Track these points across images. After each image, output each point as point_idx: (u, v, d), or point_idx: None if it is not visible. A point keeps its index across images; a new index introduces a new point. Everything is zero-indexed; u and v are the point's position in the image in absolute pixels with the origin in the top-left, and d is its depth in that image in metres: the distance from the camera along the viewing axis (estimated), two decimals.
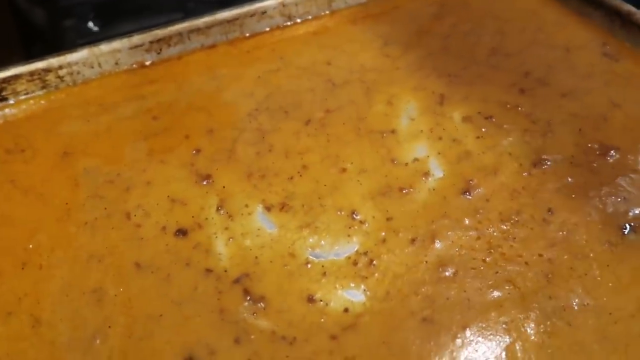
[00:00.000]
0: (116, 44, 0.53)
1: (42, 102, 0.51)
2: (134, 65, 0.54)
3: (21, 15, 0.76)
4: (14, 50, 0.79)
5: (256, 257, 0.39)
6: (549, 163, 0.44)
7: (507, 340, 0.34)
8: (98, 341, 0.34)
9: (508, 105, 0.50)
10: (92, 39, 0.65)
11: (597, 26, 0.57)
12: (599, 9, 0.57)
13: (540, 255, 0.38)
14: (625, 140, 0.46)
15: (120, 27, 0.71)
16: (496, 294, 0.36)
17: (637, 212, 0.41)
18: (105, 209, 0.42)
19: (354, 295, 0.37)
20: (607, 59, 0.54)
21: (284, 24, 0.59)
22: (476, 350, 0.34)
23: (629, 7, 0.55)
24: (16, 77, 0.50)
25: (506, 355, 0.34)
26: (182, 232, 0.40)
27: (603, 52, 0.55)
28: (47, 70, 0.51)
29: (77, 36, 0.66)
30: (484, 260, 0.38)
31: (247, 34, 0.58)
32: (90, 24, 0.70)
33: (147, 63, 0.55)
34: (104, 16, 0.70)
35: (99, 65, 0.53)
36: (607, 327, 0.34)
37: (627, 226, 0.40)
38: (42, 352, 0.34)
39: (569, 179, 0.43)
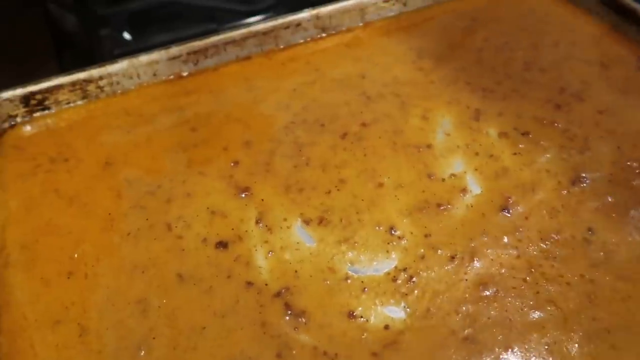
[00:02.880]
0: (154, 56, 0.54)
1: (83, 111, 0.52)
2: (172, 76, 0.55)
3: (55, 24, 0.78)
4: (47, 58, 0.81)
5: (296, 271, 0.39)
6: (587, 181, 0.44)
7: None
8: (143, 352, 0.35)
9: (544, 121, 0.49)
10: (126, 49, 0.67)
11: (633, 41, 0.57)
12: (635, 24, 0.57)
13: (582, 275, 0.38)
14: None
15: (153, 37, 0.72)
16: (538, 314, 0.36)
17: None
18: (147, 219, 0.43)
19: (394, 312, 0.37)
20: None
21: (318, 36, 0.60)
22: None
23: None
24: (58, 87, 0.51)
25: None
26: (222, 245, 0.41)
27: (639, 66, 0.54)
28: (88, 81, 0.52)
29: (112, 45, 0.67)
30: (524, 280, 0.38)
31: (282, 46, 0.58)
32: (126, 34, 0.71)
33: (184, 74, 0.55)
34: (137, 26, 0.71)
35: (138, 76, 0.54)
36: None
37: None
38: None
39: (609, 198, 0.43)
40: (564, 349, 0.35)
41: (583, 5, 0.62)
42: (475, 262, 0.39)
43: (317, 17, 0.59)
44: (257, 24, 0.57)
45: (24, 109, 0.51)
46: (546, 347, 0.35)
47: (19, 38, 0.83)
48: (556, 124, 0.49)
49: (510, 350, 0.35)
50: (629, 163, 0.46)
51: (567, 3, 0.63)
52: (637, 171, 0.45)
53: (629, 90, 0.52)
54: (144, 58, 0.54)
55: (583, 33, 0.59)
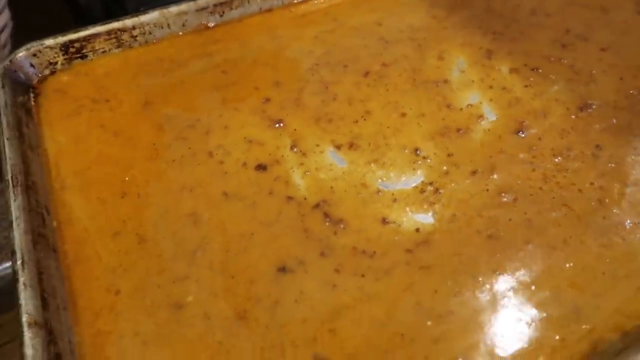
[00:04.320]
0: (184, 7, 0.57)
1: (118, 59, 0.55)
2: (199, 27, 0.58)
3: None
4: (65, 22, 0.84)
5: (331, 187, 0.43)
6: (594, 107, 0.48)
7: (568, 252, 0.38)
8: (199, 254, 0.38)
9: (552, 59, 0.53)
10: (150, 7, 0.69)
11: None
12: None
13: (592, 183, 0.42)
14: None
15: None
16: (554, 214, 0.40)
17: None
18: (190, 148, 0.46)
19: (424, 218, 0.41)
20: None
21: None
22: (539, 263, 0.38)
23: None
24: (95, 36, 0.54)
25: (568, 264, 0.37)
26: (261, 167, 0.44)
27: (637, 10, 0.58)
28: (122, 30, 0.55)
29: (138, 4, 0.70)
30: (540, 188, 0.42)
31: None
32: None
33: (211, 25, 0.59)
34: None
35: (168, 26, 0.57)
36: None
37: None
38: (151, 263, 0.38)
39: (614, 120, 0.47)
40: (580, 242, 0.38)
41: None
42: (495, 175, 0.43)
43: None
44: None
45: (63, 57, 0.54)
46: (563, 240, 0.39)
47: (38, 9, 0.86)
48: (563, 60, 0.53)
49: (531, 244, 0.38)
50: (631, 92, 0.49)
51: None
52: (638, 98, 0.49)
53: (628, 32, 0.56)
54: (174, 9, 0.56)
55: None
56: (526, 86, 0.50)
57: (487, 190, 0.42)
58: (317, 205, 0.42)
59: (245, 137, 0.47)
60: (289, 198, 0.42)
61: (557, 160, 0.44)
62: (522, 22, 0.58)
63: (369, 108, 0.49)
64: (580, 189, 0.42)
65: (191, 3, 0.57)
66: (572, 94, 0.49)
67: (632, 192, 0.41)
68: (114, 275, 0.37)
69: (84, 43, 0.54)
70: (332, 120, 0.48)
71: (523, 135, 0.46)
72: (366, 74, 0.52)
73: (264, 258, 0.38)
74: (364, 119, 0.48)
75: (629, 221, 0.39)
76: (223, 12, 0.59)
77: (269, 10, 0.61)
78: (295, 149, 0.46)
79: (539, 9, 0.59)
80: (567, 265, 0.37)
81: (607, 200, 0.41)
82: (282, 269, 0.37)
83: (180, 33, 0.57)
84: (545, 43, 0.55)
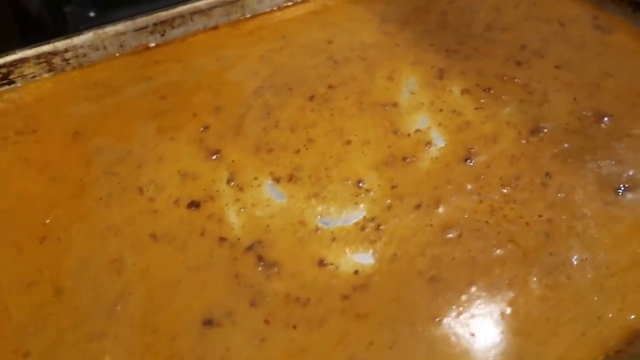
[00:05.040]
0: (120, 27, 0.54)
1: (50, 84, 0.52)
2: (139, 48, 0.55)
3: (18, 2, 0.76)
4: (11, 39, 0.80)
5: (267, 226, 0.40)
6: (545, 130, 0.46)
7: (511, 294, 0.36)
8: (119, 307, 0.36)
9: (505, 78, 0.51)
10: (92, 25, 0.66)
11: (588, 0, 0.59)
12: None
13: (540, 215, 0.40)
14: (617, 107, 0.48)
15: (120, 13, 0.72)
16: (499, 252, 0.38)
17: (630, 173, 0.42)
18: (119, 184, 0.43)
19: (363, 258, 0.38)
20: (598, 31, 0.55)
21: (285, 4, 0.60)
22: (482, 305, 0.36)
23: None
24: (23, 61, 0.51)
25: (511, 308, 0.35)
26: (194, 204, 0.42)
27: (595, 24, 0.56)
28: (53, 54, 0.52)
29: (77, 22, 0.67)
30: (486, 222, 0.40)
31: (249, 15, 0.59)
32: (90, 11, 0.70)
33: (152, 45, 0.56)
34: (103, 2, 0.70)
35: (104, 47, 0.53)
36: (605, 279, 0.36)
37: (622, 187, 0.41)
38: (66, 317, 0.35)
39: (565, 145, 0.45)
40: (524, 282, 0.36)
41: None
42: (440, 208, 0.41)
43: None
44: None
45: None
46: (507, 281, 0.37)
47: None
48: (516, 80, 0.51)
49: (474, 285, 0.36)
50: (584, 112, 0.48)
51: None
52: (591, 120, 0.47)
53: (585, 46, 0.54)
54: (109, 29, 0.53)
55: None
56: (477, 108, 0.48)
57: (431, 225, 0.40)
58: (250, 247, 0.39)
59: (179, 171, 0.44)
60: (222, 239, 0.40)
61: (505, 190, 0.42)
62: (476, 38, 0.56)
63: (312, 135, 0.47)
64: (527, 222, 0.40)
65: (129, 22, 0.54)
66: (524, 116, 0.47)
67: (580, 225, 0.39)
68: (24, 333, 0.34)
69: (10, 68, 0.50)
70: (273, 150, 0.45)
71: (471, 164, 0.44)
72: (311, 97, 0.50)
73: (189, 309, 0.36)
74: (306, 148, 0.46)
75: (576, 257, 0.37)
76: (164, 32, 0.56)
77: (215, 28, 0.58)
78: (231, 183, 0.43)
79: (495, 24, 0.57)
80: (511, 309, 0.35)
81: (554, 235, 0.39)
82: (209, 322, 0.35)
83: (118, 55, 0.54)
84: (500, 60, 0.53)
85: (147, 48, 0.55)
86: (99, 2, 0.70)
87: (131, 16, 0.55)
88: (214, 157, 0.45)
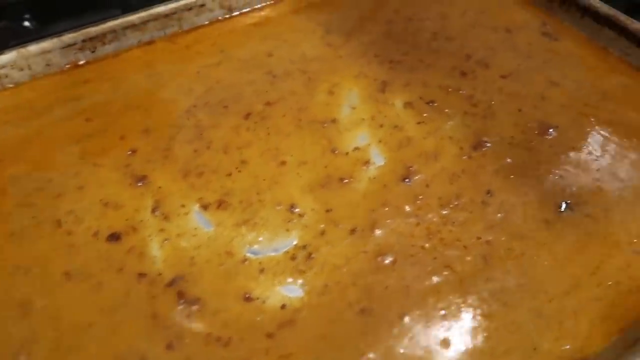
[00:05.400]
0: (46, 44, 0.51)
1: None
2: (67, 66, 0.52)
3: None
4: None
5: (192, 258, 0.38)
6: (488, 145, 0.44)
7: (445, 325, 0.34)
8: (23, 357, 0.33)
9: (449, 89, 0.49)
10: (27, 39, 0.63)
11: (537, 6, 0.57)
12: None
13: (479, 238, 0.38)
14: (562, 118, 0.46)
15: (59, 26, 0.68)
16: (435, 279, 0.36)
17: (574, 189, 0.41)
18: (34, 217, 0.40)
19: (292, 291, 0.36)
20: (546, 38, 0.54)
21: (225, 17, 0.58)
22: (413, 339, 0.34)
23: None
24: None
25: (444, 341, 0.33)
26: (115, 237, 0.39)
27: (543, 31, 0.55)
28: None
29: (11, 37, 0.63)
30: (422, 247, 0.38)
31: (186, 28, 0.56)
32: (27, 24, 0.67)
33: (81, 62, 0.53)
34: (41, 15, 0.67)
35: (29, 67, 0.50)
36: (542, 305, 0.34)
37: (564, 204, 0.40)
38: None
39: (508, 160, 0.43)
40: (459, 312, 0.35)
41: None
42: (375, 233, 0.39)
43: None
44: (157, 6, 0.54)
45: None
46: (442, 312, 0.34)
47: None
48: (461, 91, 0.49)
49: (406, 317, 0.34)
50: (529, 125, 0.46)
51: None
52: (535, 132, 0.45)
53: (532, 55, 0.53)
54: (33, 48, 0.50)
55: (490, 0, 0.59)
56: (419, 123, 0.46)
57: (366, 252, 0.38)
58: (172, 283, 0.36)
59: (101, 200, 0.41)
60: (141, 275, 0.37)
61: (444, 211, 0.40)
62: (422, 48, 0.54)
63: (246, 157, 0.44)
64: (465, 245, 0.38)
65: (55, 40, 0.51)
66: (467, 130, 0.46)
67: (519, 247, 0.37)
68: None
69: None
70: (203, 174, 0.43)
71: (410, 183, 0.42)
72: (247, 115, 0.47)
73: (98, 357, 0.33)
74: (239, 171, 0.43)
75: (513, 282, 0.36)
76: (95, 48, 0.53)
77: (150, 42, 0.55)
78: (156, 212, 0.41)
79: (441, 33, 0.55)
80: (444, 342, 0.33)
81: (492, 258, 0.37)
82: None
83: (44, 74, 0.51)
84: (445, 71, 0.51)
85: (77, 66, 0.52)
86: (36, 15, 0.66)
87: (64, 31, 0.52)
88: (140, 183, 0.42)
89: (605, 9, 0.52)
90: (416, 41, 0.54)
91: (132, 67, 0.52)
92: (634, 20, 0.51)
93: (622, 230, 0.38)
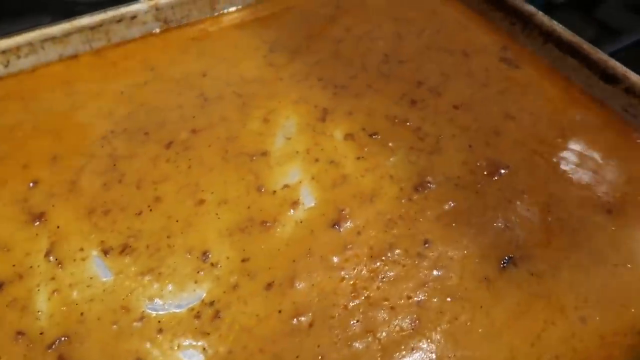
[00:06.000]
0: None
1: None
2: None
3: None
4: None
5: (82, 314, 0.33)
6: (432, 186, 0.40)
7: None
8: None
9: (396, 120, 0.45)
10: None
11: (499, 29, 0.53)
12: (500, 10, 0.53)
13: (409, 297, 0.34)
14: (515, 157, 0.42)
15: (2, 27, 0.63)
16: (354, 347, 0.32)
17: (520, 242, 0.37)
18: None
19: (191, 356, 0.32)
20: (505, 64, 0.50)
21: (159, 30, 0.53)
22: None
23: (530, 8, 0.51)
24: None
25: None
26: None
27: (502, 57, 0.51)
28: None
29: None
30: (345, 307, 0.33)
31: (115, 42, 0.51)
32: None
33: None
34: None
35: None
36: None
37: (507, 258, 0.36)
38: None
39: (452, 204, 0.39)
40: None
41: None
42: (294, 288, 0.34)
43: (157, 8, 0.52)
44: (81, 17, 0.49)
45: None
46: None
47: None
48: (408, 123, 0.45)
49: None
50: (478, 163, 0.42)
51: None
52: (484, 172, 0.41)
53: (489, 83, 0.48)
54: None
55: (449, 20, 0.55)
56: (359, 158, 0.42)
57: (280, 311, 0.33)
58: (52, 345, 0.32)
59: None
60: (19, 333, 0.32)
61: (374, 265, 0.35)
62: (371, 72, 0.49)
63: (161, 193, 0.39)
64: (393, 305, 0.34)
65: None
66: (411, 167, 0.41)
67: (453, 310, 0.33)
68: None
69: None
70: (110, 212, 0.38)
71: (340, 230, 0.37)
72: (169, 144, 0.43)
73: None
74: (150, 210, 0.38)
75: (441, 353, 0.31)
76: (8, 62, 0.47)
77: (74, 56, 0.50)
78: (50, 256, 0.36)
79: (393, 55, 0.51)
80: None
81: (422, 323, 0.33)
82: None
83: None
84: (393, 98, 0.47)
85: None
86: None
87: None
88: (37, 222, 0.37)
89: (569, 35, 0.48)
90: (365, 63, 0.50)
91: (48, 85, 0.47)
92: (598, 50, 0.47)
93: (569, 292, 0.34)
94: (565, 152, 0.43)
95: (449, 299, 0.34)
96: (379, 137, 0.44)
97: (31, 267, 0.35)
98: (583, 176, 0.41)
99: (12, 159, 0.42)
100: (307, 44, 0.52)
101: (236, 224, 0.38)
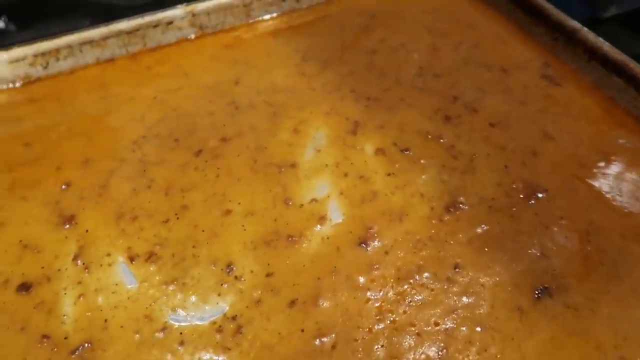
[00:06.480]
0: None
1: None
2: (18, 82, 0.48)
3: None
4: None
5: (105, 321, 0.33)
6: (464, 207, 0.39)
7: None
8: None
9: (429, 136, 0.44)
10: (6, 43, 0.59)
11: (540, 44, 0.51)
12: (543, 25, 0.51)
13: (437, 324, 0.33)
14: (553, 180, 0.40)
15: (42, 28, 0.65)
16: None
17: (556, 271, 0.35)
18: None
19: None
20: (546, 81, 0.48)
21: (194, 36, 0.53)
22: None
23: (574, 23, 0.49)
24: None
25: None
26: (25, 287, 0.35)
27: (543, 74, 0.49)
28: None
29: None
30: (369, 330, 0.33)
31: (151, 47, 0.52)
32: (1, 24, 0.63)
33: (34, 79, 0.49)
34: (21, 16, 0.64)
35: None
36: None
37: (542, 288, 0.34)
38: None
39: (485, 227, 0.37)
40: None
41: (492, 3, 0.56)
42: (318, 307, 0.34)
43: (193, 14, 0.52)
44: (119, 21, 0.50)
45: None
46: None
47: None
48: (442, 139, 0.44)
49: None
50: (514, 185, 0.40)
51: (476, 0, 0.57)
52: (520, 195, 0.39)
53: (528, 100, 0.47)
54: None
55: (488, 33, 0.53)
56: (389, 174, 0.41)
57: (303, 330, 0.33)
58: (76, 350, 0.32)
59: (21, 241, 0.37)
60: (44, 337, 0.32)
61: (400, 287, 0.34)
62: (404, 85, 0.48)
63: (188, 201, 0.39)
64: (419, 332, 0.32)
65: (2, 53, 0.47)
66: (443, 187, 0.40)
67: (482, 341, 0.32)
68: None
69: None
70: (137, 218, 0.38)
71: (367, 249, 0.36)
72: (198, 152, 0.43)
73: None
74: (177, 218, 0.38)
75: None
76: (47, 64, 0.49)
77: (110, 60, 0.51)
78: (78, 260, 0.36)
79: (428, 68, 0.50)
80: None
81: (448, 353, 0.32)
82: None
83: None
84: (427, 114, 0.46)
85: (29, 82, 0.49)
86: (14, 16, 0.63)
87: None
88: (67, 225, 0.38)
89: (615, 53, 0.46)
90: (399, 76, 0.49)
91: (84, 88, 0.48)
92: None
93: (608, 329, 0.32)
94: (607, 177, 0.41)
95: (478, 329, 0.32)
96: (411, 153, 0.42)
97: (59, 270, 0.36)
98: (626, 204, 0.39)
99: (47, 159, 0.42)
100: (341, 54, 0.52)
101: (262, 237, 0.37)
